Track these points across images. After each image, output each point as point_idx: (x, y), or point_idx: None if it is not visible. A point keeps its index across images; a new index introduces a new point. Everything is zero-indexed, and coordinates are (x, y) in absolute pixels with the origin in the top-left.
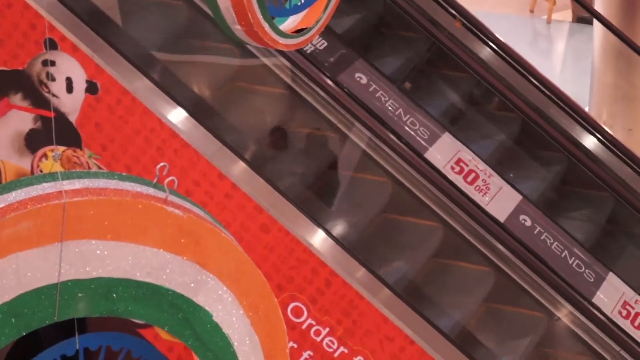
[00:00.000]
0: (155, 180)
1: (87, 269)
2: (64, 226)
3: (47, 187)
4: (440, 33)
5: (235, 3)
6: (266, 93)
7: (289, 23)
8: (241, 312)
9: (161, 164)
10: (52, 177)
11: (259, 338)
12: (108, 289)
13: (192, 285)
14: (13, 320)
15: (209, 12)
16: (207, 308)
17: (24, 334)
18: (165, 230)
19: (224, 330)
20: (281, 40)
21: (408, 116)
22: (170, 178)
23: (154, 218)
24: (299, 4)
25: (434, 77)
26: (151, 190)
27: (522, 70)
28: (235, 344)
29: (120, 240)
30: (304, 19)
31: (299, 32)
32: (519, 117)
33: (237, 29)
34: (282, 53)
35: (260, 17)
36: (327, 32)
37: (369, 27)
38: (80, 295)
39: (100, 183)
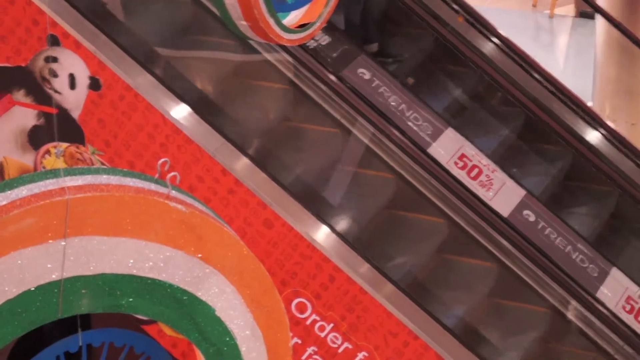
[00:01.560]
0: (157, 175)
1: (91, 265)
2: (67, 223)
3: (49, 184)
4: (443, 28)
5: None
6: (269, 88)
7: (292, 18)
8: (244, 306)
9: (162, 159)
10: (54, 173)
11: (262, 332)
12: (111, 284)
13: (195, 279)
14: (17, 317)
15: (212, 7)
16: (209, 302)
17: (29, 331)
18: (168, 225)
19: (226, 324)
20: (285, 36)
21: (411, 112)
22: (172, 173)
23: (157, 213)
24: None
25: (437, 72)
26: (153, 186)
27: (525, 65)
28: (238, 337)
29: (123, 236)
30: (307, 13)
31: (302, 27)
32: (522, 112)
33: (243, 24)
34: (284, 48)
35: (265, 12)
36: (329, 27)
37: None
38: (83, 291)
39: (103, 179)
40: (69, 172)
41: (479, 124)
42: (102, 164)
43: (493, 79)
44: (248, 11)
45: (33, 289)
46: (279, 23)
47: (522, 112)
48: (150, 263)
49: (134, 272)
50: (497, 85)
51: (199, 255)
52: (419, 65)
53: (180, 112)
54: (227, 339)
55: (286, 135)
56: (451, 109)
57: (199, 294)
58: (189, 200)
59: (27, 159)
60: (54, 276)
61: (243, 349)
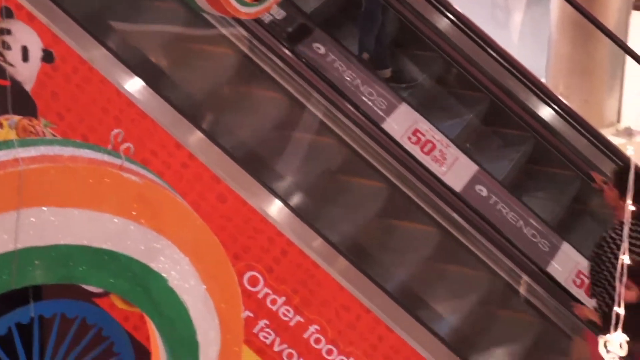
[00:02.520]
0: (109, 146)
1: (44, 236)
2: (21, 194)
3: (2, 155)
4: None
5: None
6: (222, 60)
7: None
8: (197, 277)
9: (116, 130)
10: (7, 145)
11: (214, 303)
12: (65, 255)
13: (148, 250)
14: None
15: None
16: (162, 273)
17: None
18: (121, 196)
19: (179, 296)
20: (242, 9)
21: (366, 86)
22: (125, 145)
23: (110, 184)
24: None
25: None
26: (107, 157)
27: (480, 42)
28: (191, 309)
29: (77, 207)
30: None
31: (258, 0)
32: (485, 96)
33: None
34: (239, 22)
35: None
36: (285, 2)
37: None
38: (37, 262)
39: (56, 150)
40: (23, 143)
41: (433, 102)
42: (55, 137)
43: (449, 55)
44: None
45: None
46: None
47: (484, 93)
48: (104, 234)
49: (88, 243)
50: (452, 62)
51: (153, 227)
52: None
53: (135, 85)
54: (180, 309)
55: (238, 103)
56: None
57: (152, 265)
58: (143, 171)
59: None
60: (6, 247)
61: (195, 319)
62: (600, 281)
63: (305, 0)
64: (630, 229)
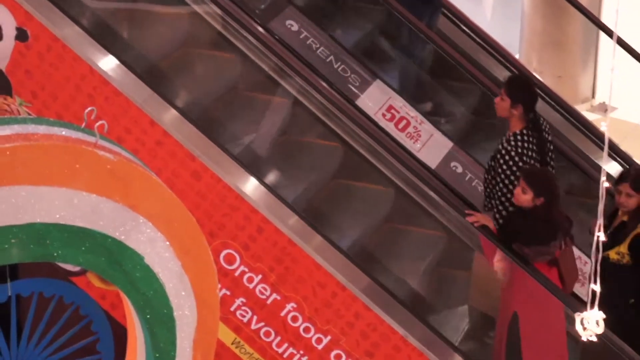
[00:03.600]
0: (83, 124)
1: (20, 214)
2: None
3: None
4: None
5: None
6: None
7: None
8: (172, 254)
9: (89, 108)
10: None
11: (190, 280)
12: (41, 234)
13: (123, 228)
14: None
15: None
16: (138, 250)
17: None
18: (96, 173)
19: (155, 272)
20: None
21: (339, 63)
22: (100, 122)
23: (85, 162)
24: None
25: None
26: (81, 135)
27: (452, 17)
28: (166, 285)
29: (52, 185)
30: None
31: None
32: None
33: None
34: None
35: None
36: None
37: None
38: (13, 241)
39: (30, 129)
40: None
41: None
42: (29, 115)
43: (420, 30)
44: None
45: None
46: None
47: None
48: (79, 212)
49: (64, 221)
50: (424, 37)
51: (128, 204)
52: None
53: (108, 63)
54: (156, 286)
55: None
56: (376, 58)
57: (128, 242)
58: (117, 149)
59: None
60: None
61: (171, 296)
62: (495, 193)
63: None
64: (525, 138)
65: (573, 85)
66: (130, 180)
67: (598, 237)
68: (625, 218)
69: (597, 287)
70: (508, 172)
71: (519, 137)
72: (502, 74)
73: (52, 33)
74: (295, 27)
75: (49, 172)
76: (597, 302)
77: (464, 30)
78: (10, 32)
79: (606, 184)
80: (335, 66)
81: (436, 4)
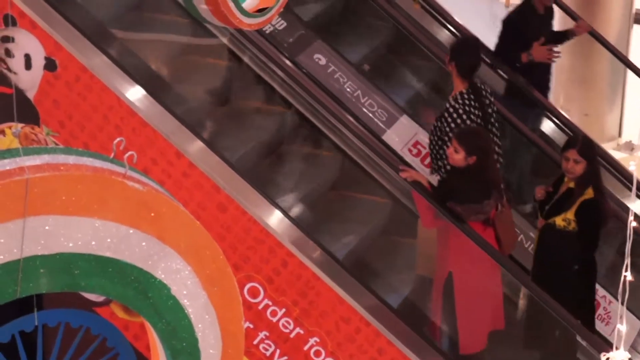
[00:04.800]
0: (112, 155)
1: (49, 244)
2: (26, 202)
3: (7, 164)
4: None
5: None
6: (225, 71)
7: (250, 3)
8: (198, 285)
9: (118, 138)
10: (11, 153)
11: (216, 311)
12: (70, 264)
13: (151, 258)
14: None
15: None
16: (165, 281)
17: None
18: (125, 204)
19: (181, 304)
20: (245, 20)
21: (366, 98)
22: (129, 153)
23: (114, 192)
24: None
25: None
26: (110, 165)
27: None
28: (192, 317)
29: (81, 215)
30: None
31: (261, 11)
32: None
33: (204, 8)
34: (240, 32)
35: None
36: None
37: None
38: (42, 270)
39: (60, 158)
40: (27, 152)
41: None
42: (57, 145)
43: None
44: None
45: None
46: (239, 7)
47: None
48: (108, 242)
49: (92, 251)
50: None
51: (156, 234)
52: (378, 56)
53: (135, 94)
54: (182, 317)
55: (239, 116)
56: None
57: (155, 273)
58: (145, 180)
59: None
60: (12, 256)
61: (197, 327)
62: (441, 154)
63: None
64: (467, 97)
65: (600, 123)
66: (158, 211)
67: (625, 277)
68: (571, 185)
69: (623, 328)
70: (454, 131)
71: (465, 96)
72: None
73: (80, 63)
74: (323, 61)
75: (79, 202)
76: (622, 343)
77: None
78: (39, 62)
79: (634, 224)
80: (362, 100)
81: (540, 107)
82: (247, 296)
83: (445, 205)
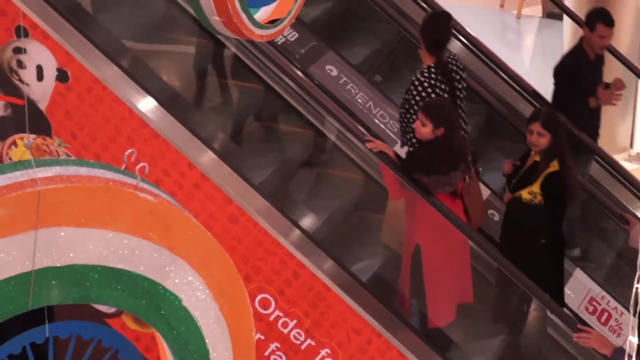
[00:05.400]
0: (123, 166)
1: (61, 256)
2: (38, 214)
3: (19, 175)
4: (410, 26)
5: None
6: (237, 84)
7: (262, 14)
8: (210, 296)
9: (129, 150)
10: (23, 165)
11: (227, 322)
12: (81, 275)
13: (162, 270)
14: None
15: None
16: (176, 292)
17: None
18: (137, 215)
19: (192, 315)
20: (257, 31)
21: (378, 109)
22: (141, 164)
23: (126, 204)
24: None
25: (401, 68)
26: (121, 177)
27: (492, 64)
28: (203, 328)
29: (93, 227)
30: (276, 9)
31: (272, 22)
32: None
33: (216, 20)
34: (253, 44)
35: (239, 8)
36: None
37: (336, 17)
38: (54, 282)
39: (71, 170)
40: (39, 163)
41: None
42: (68, 156)
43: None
44: (222, 7)
45: (3, 280)
46: (251, 19)
47: (486, 108)
48: (119, 253)
49: (104, 262)
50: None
51: (167, 246)
52: (386, 62)
53: (147, 105)
54: (193, 328)
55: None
56: None
57: (166, 284)
58: (157, 191)
59: None
60: (24, 267)
61: (208, 338)
62: (410, 127)
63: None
64: (435, 71)
65: (611, 135)
66: (170, 223)
67: (637, 288)
68: (537, 158)
69: (635, 340)
70: (421, 104)
71: (433, 70)
72: None
73: (92, 74)
74: (334, 72)
75: (91, 214)
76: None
77: (503, 78)
78: (51, 73)
79: None
80: (374, 112)
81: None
82: (258, 307)
83: (411, 176)
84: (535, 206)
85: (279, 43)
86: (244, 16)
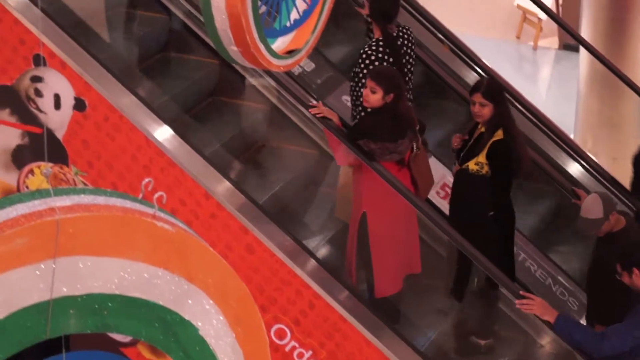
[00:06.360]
0: (140, 195)
1: (79, 285)
2: (57, 243)
3: (37, 204)
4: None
5: (234, 25)
6: (251, 111)
7: (279, 44)
8: (226, 325)
9: (146, 179)
10: (41, 194)
11: (243, 351)
12: (99, 304)
13: (180, 299)
14: (6, 338)
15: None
16: (193, 322)
17: (17, 351)
18: (155, 244)
19: (209, 344)
20: (274, 61)
21: None
22: (158, 193)
23: (144, 233)
24: (288, 25)
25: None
26: (139, 206)
27: (508, 96)
28: (220, 357)
29: (111, 256)
30: (293, 40)
31: (290, 53)
32: None
33: (234, 50)
34: (268, 73)
35: (257, 38)
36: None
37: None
38: (71, 311)
39: (90, 199)
40: (57, 192)
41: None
42: (85, 184)
43: None
44: (240, 37)
45: (21, 309)
46: (268, 49)
47: None
48: (137, 282)
49: (121, 291)
50: None
51: (185, 275)
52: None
53: (164, 134)
54: (209, 357)
55: (264, 157)
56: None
57: (183, 314)
58: (174, 220)
59: (10, 178)
60: (42, 296)
61: None
62: (359, 99)
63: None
64: (382, 44)
65: (628, 166)
66: (187, 252)
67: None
68: (483, 129)
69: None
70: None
71: (381, 44)
72: (558, 155)
73: (109, 103)
74: (350, 103)
75: (109, 243)
76: None
77: (519, 109)
78: (68, 102)
79: None
80: None
81: None
82: (274, 338)
83: (357, 143)
84: (482, 177)
85: (296, 74)
86: (261, 46)
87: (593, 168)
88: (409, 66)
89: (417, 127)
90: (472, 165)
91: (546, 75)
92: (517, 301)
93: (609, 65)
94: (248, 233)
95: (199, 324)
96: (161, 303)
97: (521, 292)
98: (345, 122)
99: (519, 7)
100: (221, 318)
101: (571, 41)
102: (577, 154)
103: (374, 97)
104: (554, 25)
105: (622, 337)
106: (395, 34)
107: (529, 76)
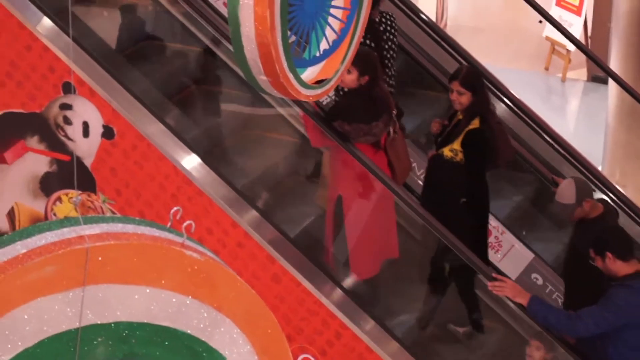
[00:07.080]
0: (169, 224)
1: (107, 313)
2: (86, 271)
3: (66, 232)
4: None
5: (263, 54)
6: (280, 141)
7: (308, 74)
8: (254, 354)
9: (175, 208)
10: (70, 222)
11: None
12: (127, 332)
13: (208, 328)
14: None
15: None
16: (220, 351)
17: None
18: (183, 273)
19: None
20: (304, 91)
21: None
22: (187, 222)
23: (173, 261)
24: (318, 54)
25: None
26: (167, 234)
27: (536, 127)
28: None
29: (140, 284)
30: (323, 69)
31: (319, 83)
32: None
33: (263, 79)
34: (297, 102)
35: (286, 68)
36: None
37: None
38: (100, 339)
39: (119, 227)
40: (87, 221)
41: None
42: (113, 212)
43: None
44: (269, 67)
45: (50, 337)
46: (298, 79)
47: (534, 175)
48: (165, 311)
49: (150, 320)
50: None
51: (213, 304)
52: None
53: (192, 162)
54: None
55: (294, 189)
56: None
57: (211, 342)
58: (202, 249)
59: (38, 206)
60: (71, 324)
61: None
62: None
63: None
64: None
65: None
66: (215, 281)
67: None
68: (461, 117)
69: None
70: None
71: None
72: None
73: (138, 131)
74: None
75: (137, 271)
76: None
77: (546, 141)
78: (97, 130)
79: None
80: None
81: None
82: None
83: (332, 124)
84: (456, 164)
85: (324, 103)
86: (291, 76)
87: (621, 200)
88: (391, 52)
89: (395, 112)
90: (446, 151)
91: (574, 107)
92: (489, 283)
93: (637, 98)
94: (275, 262)
95: (227, 351)
96: (189, 332)
97: (493, 275)
98: (322, 105)
99: (547, 38)
100: (249, 347)
101: (600, 73)
102: (605, 186)
103: (349, 77)
104: (583, 57)
105: (595, 319)
106: (377, 20)
107: (557, 108)
